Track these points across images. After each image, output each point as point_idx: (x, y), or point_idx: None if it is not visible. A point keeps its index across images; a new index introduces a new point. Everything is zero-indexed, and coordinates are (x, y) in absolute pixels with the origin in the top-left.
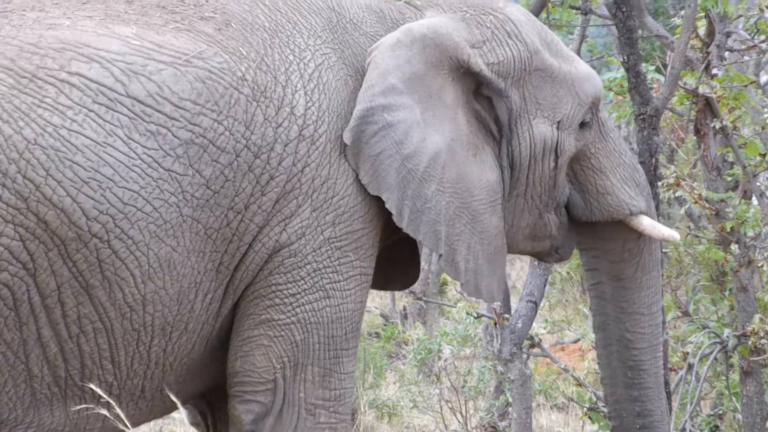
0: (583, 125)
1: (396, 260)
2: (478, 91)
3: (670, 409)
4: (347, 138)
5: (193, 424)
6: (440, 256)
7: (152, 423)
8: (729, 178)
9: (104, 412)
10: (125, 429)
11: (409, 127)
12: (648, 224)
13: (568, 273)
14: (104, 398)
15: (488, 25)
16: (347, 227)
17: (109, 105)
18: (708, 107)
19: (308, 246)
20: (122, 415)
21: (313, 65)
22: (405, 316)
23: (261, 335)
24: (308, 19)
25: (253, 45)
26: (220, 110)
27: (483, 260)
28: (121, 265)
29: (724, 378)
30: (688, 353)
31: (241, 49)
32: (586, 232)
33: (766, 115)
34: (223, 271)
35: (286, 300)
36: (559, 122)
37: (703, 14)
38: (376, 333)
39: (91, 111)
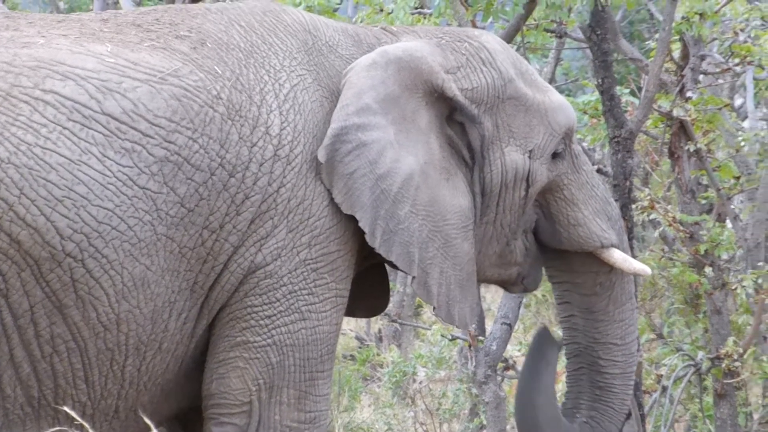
0: (555, 156)
1: (364, 288)
2: (452, 116)
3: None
4: (321, 156)
5: None
6: (413, 278)
7: None
8: (703, 201)
9: None
10: None
11: (383, 147)
12: (619, 257)
13: (543, 295)
14: (77, 420)
15: (463, 52)
16: (323, 249)
17: (83, 122)
18: (682, 130)
19: (284, 267)
20: None
21: (289, 86)
22: (380, 339)
23: (237, 357)
24: (284, 40)
25: (228, 64)
26: (195, 128)
27: (455, 286)
28: (95, 284)
29: (697, 400)
30: (662, 375)
31: (216, 68)
32: (558, 265)
33: (740, 138)
34: (198, 291)
35: (261, 322)
36: (531, 151)
37: (677, 37)
38: (351, 355)
39: (65, 129)
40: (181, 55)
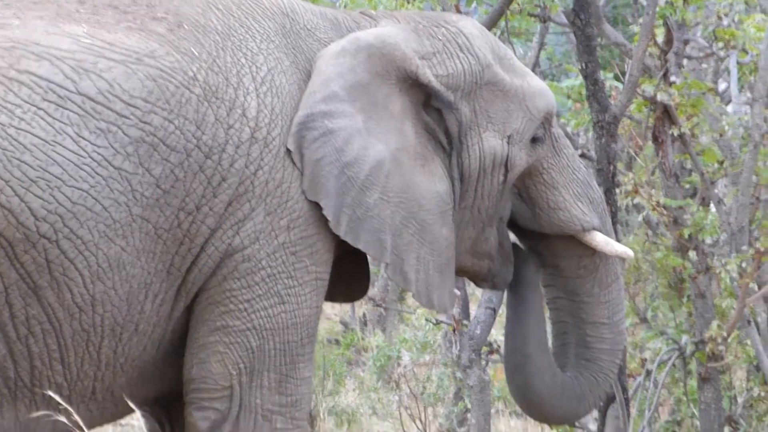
0: (535, 140)
1: (344, 272)
2: (428, 102)
3: (628, 415)
4: (290, 144)
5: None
6: (386, 265)
7: (111, 430)
8: (687, 186)
9: (62, 418)
10: None
11: (350, 134)
12: (601, 240)
13: None
14: (60, 404)
15: (440, 38)
16: (302, 232)
17: (58, 102)
18: (666, 115)
19: (262, 251)
20: (80, 422)
21: (266, 69)
22: (364, 323)
23: (217, 342)
24: (261, 23)
25: (205, 46)
26: (171, 109)
27: (434, 271)
28: (69, 265)
29: (682, 384)
30: (646, 360)
31: (192, 49)
32: (541, 249)
33: (724, 123)
34: (174, 273)
35: (240, 306)
36: (509, 137)
37: (661, 22)
38: (336, 340)
39: (40, 109)
40: (158, 36)
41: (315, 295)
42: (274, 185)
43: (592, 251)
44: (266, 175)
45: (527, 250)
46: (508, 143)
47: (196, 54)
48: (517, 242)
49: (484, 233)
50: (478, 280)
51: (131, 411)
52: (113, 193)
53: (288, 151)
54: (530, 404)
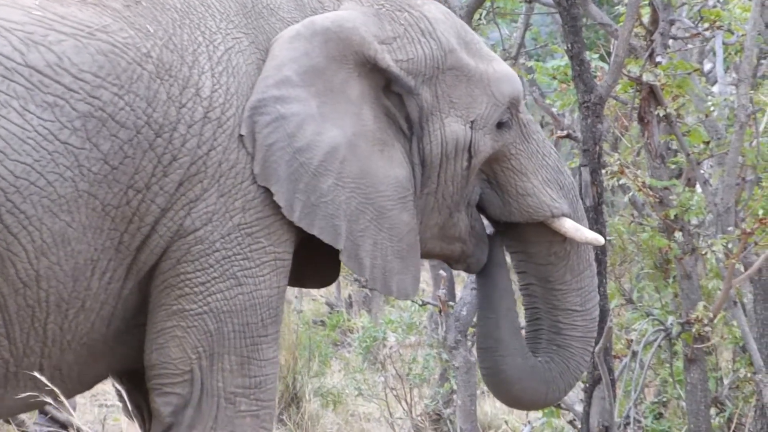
0: (500, 125)
1: (314, 257)
2: (389, 87)
3: (614, 397)
4: (242, 128)
5: (132, 416)
6: (341, 251)
7: (96, 411)
8: (673, 166)
9: (49, 399)
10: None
11: (303, 120)
12: (570, 227)
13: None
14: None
15: (402, 22)
16: (258, 213)
17: (5, 74)
18: (652, 95)
19: (216, 232)
20: (66, 403)
21: (223, 48)
22: (350, 304)
23: (174, 326)
24: (222, 2)
25: (161, 24)
26: (122, 84)
27: (393, 257)
28: (13, 240)
29: (668, 365)
30: (632, 341)
31: (148, 26)
32: (512, 235)
33: (709, 103)
34: (123, 251)
35: (196, 289)
36: (473, 122)
37: (647, 2)
38: (321, 321)
39: None
40: (113, 11)
41: (275, 276)
42: (228, 166)
43: (563, 238)
44: (219, 156)
45: (497, 234)
46: (471, 128)
47: (152, 31)
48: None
49: (452, 218)
50: (453, 263)
51: (81, 389)
52: (58, 167)
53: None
54: (499, 386)
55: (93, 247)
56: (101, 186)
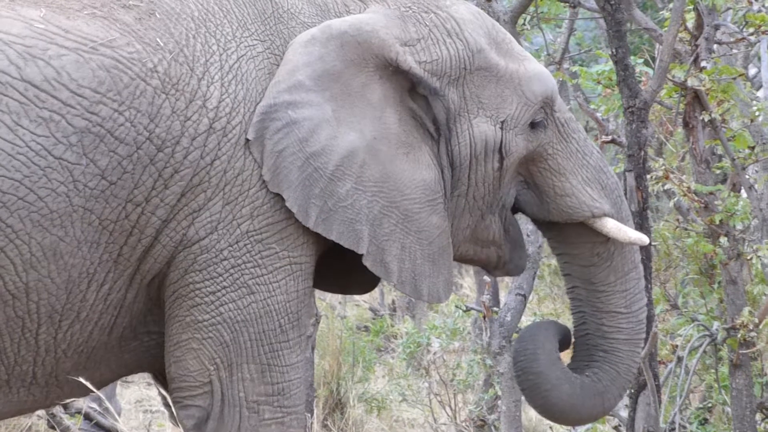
0: (534, 125)
1: (350, 264)
2: (414, 90)
3: (660, 402)
4: (249, 134)
5: (177, 421)
6: (364, 255)
7: (141, 417)
8: (718, 171)
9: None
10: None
11: (316, 124)
12: (612, 227)
13: (557, 266)
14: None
15: (427, 23)
16: (267, 219)
17: None
18: (697, 100)
19: (222, 241)
20: (111, 410)
21: (236, 56)
22: (394, 310)
23: (190, 339)
24: (242, 8)
25: (174, 35)
26: (123, 100)
27: (423, 260)
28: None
29: (713, 371)
30: (677, 346)
31: (158, 39)
32: (555, 237)
33: (754, 108)
34: (123, 263)
35: (206, 299)
36: (503, 122)
37: (691, 7)
38: (365, 327)
39: None
40: (122, 25)
41: (292, 280)
42: (234, 174)
43: (606, 238)
44: (224, 165)
45: (544, 236)
46: (501, 129)
47: (162, 44)
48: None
49: (484, 221)
50: (491, 269)
51: (82, 393)
52: (51, 182)
53: (248, 140)
54: (557, 418)
55: (89, 260)
56: (98, 201)
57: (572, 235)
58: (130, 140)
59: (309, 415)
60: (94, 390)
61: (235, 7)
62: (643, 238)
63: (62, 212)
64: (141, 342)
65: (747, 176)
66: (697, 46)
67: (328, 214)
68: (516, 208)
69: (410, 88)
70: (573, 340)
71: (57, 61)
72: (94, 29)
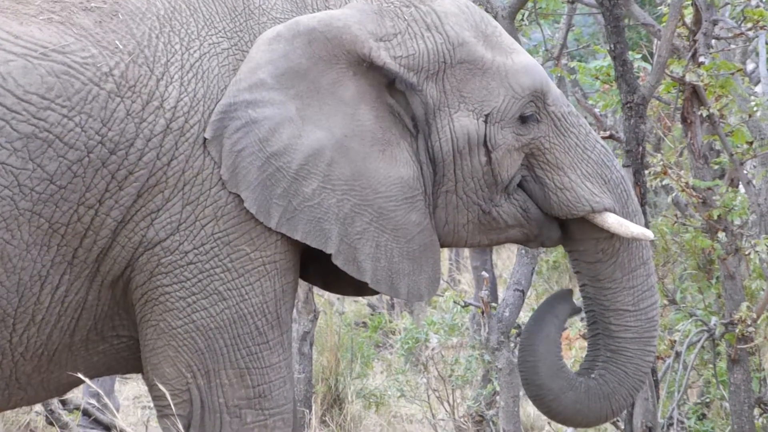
0: (525, 119)
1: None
2: (393, 85)
3: (658, 397)
4: (207, 132)
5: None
6: (334, 255)
7: (140, 413)
8: (716, 166)
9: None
10: None
11: (277, 123)
12: (613, 222)
13: (554, 262)
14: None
15: (405, 18)
16: (233, 219)
17: None
18: (695, 95)
19: (186, 243)
20: (110, 405)
21: (198, 54)
22: (392, 306)
23: (166, 346)
24: (210, 6)
25: (135, 36)
26: (72, 106)
27: (401, 258)
28: None
29: (711, 366)
30: (675, 341)
31: (117, 42)
32: (562, 233)
33: (752, 103)
34: (80, 265)
35: (177, 304)
36: (487, 115)
37: (689, 2)
38: (363, 323)
39: None
40: (79, 30)
41: (267, 281)
42: (192, 174)
43: (610, 234)
44: (182, 165)
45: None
46: (485, 122)
47: (120, 47)
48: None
49: (488, 214)
50: (522, 243)
51: (48, 395)
52: None
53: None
54: (564, 423)
55: (39, 263)
56: (47, 205)
57: (576, 231)
58: (80, 145)
59: (307, 410)
60: (89, 382)
61: (203, 4)
62: (647, 233)
63: (7, 216)
64: (110, 345)
65: (745, 171)
66: (695, 41)
67: (292, 214)
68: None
69: (388, 84)
70: (579, 307)
71: (3, 67)
72: (47, 35)
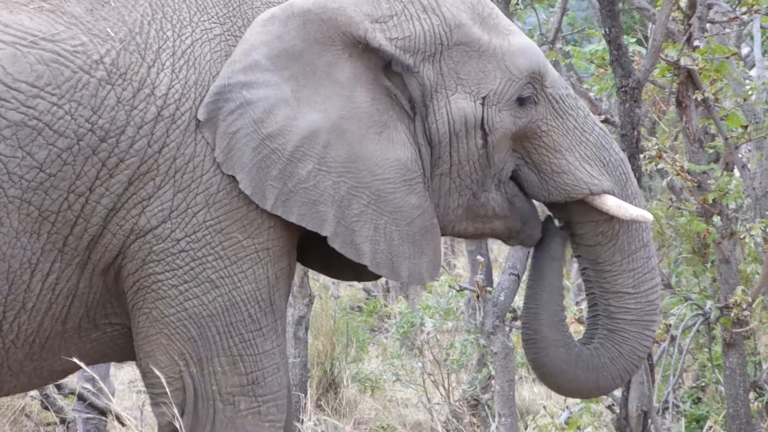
0: (523, 101)
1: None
2: (390, 67)
3: (653, 381)
4: (201, 114)
5: None
6: (330, 237)
7: (135, 398)
8: (711, 150)
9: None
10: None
11: (272, 105)
12: (613, 204)
13: None
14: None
15: (402, 0)
16: (225, 206)
17: None
18: (690, 79)
19: (178, 230)
20: (105, 390)
21: (190, 41)
22: (387, 290)
23: (158, 333)
24: None
25: (127, 23)
26: (62, 94)
27: (401, 241)
28: None
29: (706, 350)
30: (670, 325)
31: (108, 30)
32: (560, 217)
33: (747, 87)
34: (70, 252)
35: (170, 292)
36: (485, 98)
37: None
38: (359, 307)
39: None
40: (70, 18)
41: (260, 268)
42: (184, 161)
43: (609, 217)
44: (173, 152)
45: (560, 229)
46: (482, 105)
47: (111, 34)
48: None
49: (477, 199)
50: (503, 239)
51: (41, 383)
52: None
53: (199, 122)
54: (544, 376)
55: (30, 251)
56: (36, 192)
57: (575, 214)
58: (70, 133)
59: (302, 395)
60: (84, 367)
61: None
62: (646, 215)
63: None
64: (103, 332)
65: (740, 155)
66: (690, 25)
67: (287, 196)
68: (520, 189)
69: (385, 66)
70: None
71: None
72: (37, 23)
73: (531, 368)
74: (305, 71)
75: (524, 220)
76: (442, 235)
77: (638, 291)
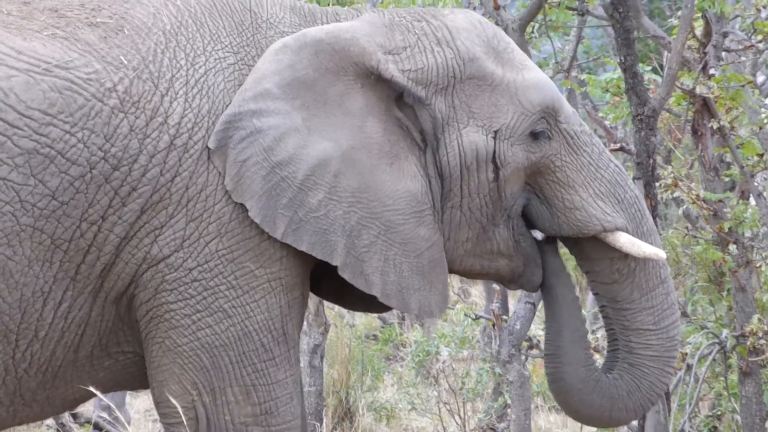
0: (536, 136)
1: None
2: (401, 99)
3: (669, 410)
4: (211, 142)
5: None
6: (340, 267)
7: (151, 426)
8: (726, 179)
9: None
10: None
11: (283, 133)
12: (626, 241)
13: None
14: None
15: (416, 32)
16: (237, 236)
17: None
18: (705, 107)
19: (190, 260)
20: (122, 419)
21: (203, 70)
22: (402, 318)
23: (171, 363)
24: (217, 21)
25: (141, 51)
26: (75, 122)
27: (411, 273)
28: None
29: (722, 379)
30: (686, 354)
31: (122, 57)
32: (575, 254)
33: (763, 115)
34: (83, 281)
35: (183, 322)
36: (496, 131)
37: (700, 14)
38: (374, 335)
39: None
40: (83, 45)
41: (272, 298)
42: (196, 190)
43: (624, 254)
44: (185, 181)
45: (551, 241)
46: (494, 138)
47: (125, 62)
48: (538, 236)
49: (485, 233)
50: (505, 282)
51: (55, 411)
52: None
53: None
54: (559, 395)
55: (42, 279)
56: (48, 221)
57: (590, 251)
58: (82, 161)
59: (318, 424)
60: (100, 395)
61: (210, 19)
62: (660, 253)
63: (9, 231)
64: (116, 360)
65: (756, 184)
66: (705, 53)
67: (298, 225)
68: (529, 224)
69: (397, 97)
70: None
71: (5, 82)
72: (51, 50)
73: (548, 383)
74: (317, 100)
75: (526, 263)
76: (450, 272)
77: (659, 327)
